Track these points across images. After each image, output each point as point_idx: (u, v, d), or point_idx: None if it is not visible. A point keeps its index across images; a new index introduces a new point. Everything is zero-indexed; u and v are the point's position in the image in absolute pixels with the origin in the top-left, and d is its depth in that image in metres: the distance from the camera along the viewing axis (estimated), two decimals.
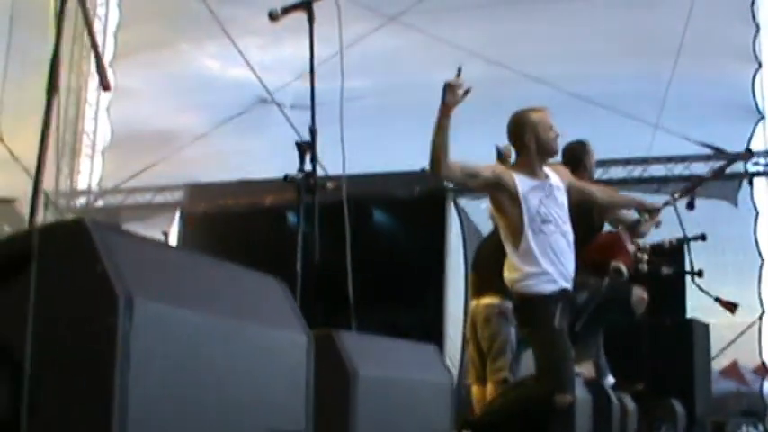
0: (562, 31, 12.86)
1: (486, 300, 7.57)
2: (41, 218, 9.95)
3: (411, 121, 12.76)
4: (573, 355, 5.96)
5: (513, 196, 5.71)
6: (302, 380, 3.05)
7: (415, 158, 9.91)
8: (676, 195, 7.46)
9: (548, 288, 5.68)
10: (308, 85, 5.28)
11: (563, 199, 5.92)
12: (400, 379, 4.29)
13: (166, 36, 15.76)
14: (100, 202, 16.26)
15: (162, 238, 10.31)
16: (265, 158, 13.71)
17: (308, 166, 5.10)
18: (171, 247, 2.42)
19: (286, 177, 5.09)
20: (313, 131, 5.06)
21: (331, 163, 8.38)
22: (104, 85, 3.81)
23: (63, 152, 15.76)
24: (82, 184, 16.52)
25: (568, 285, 5.80)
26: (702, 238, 8.31)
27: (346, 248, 5.36)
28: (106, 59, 16.05)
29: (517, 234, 5.72)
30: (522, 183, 5.74)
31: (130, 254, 2.40)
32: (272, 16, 5.25)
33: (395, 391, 4.17)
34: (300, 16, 5.28)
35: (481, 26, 13.10)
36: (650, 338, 9.64)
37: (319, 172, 5.27)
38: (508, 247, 5.82)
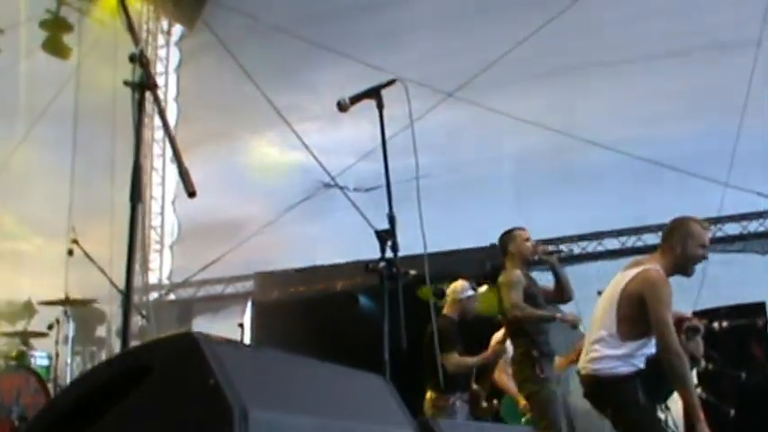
0: (623, 94, 12.81)
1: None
2: (115, 315, 10.03)
3: (477, 195, 12.79)
4: None
5: None
6: None
7: (485, 232, 9.92)
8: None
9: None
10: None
11: None
12: None
13: (226, 127, 15.98)
14: (172, 296, 16.40)
15: (238, 329, 10.33)
16: (332, 242, 13.78)
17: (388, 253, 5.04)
18: (277, 353, 2.39)
19: (367, 266, 5.05)
20: (392, 218, 5.02)
21: (405, 244, 8.39)
22: (190, 192, 3.80)
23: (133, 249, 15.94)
24: (153, 278, 16.69)
25: None
26: None
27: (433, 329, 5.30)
28: (167, 155, 16.32)
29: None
30: None
31: (239, 364, 2.39)
32: (341, 107, 5.21)
33: None
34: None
35: (540, 95, 13.10)
36: None
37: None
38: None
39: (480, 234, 10.73)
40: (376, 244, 5.09)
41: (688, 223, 6.00)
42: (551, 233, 11.05)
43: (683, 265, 5.96)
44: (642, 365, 5.88)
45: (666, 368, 5.69)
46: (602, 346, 5.94)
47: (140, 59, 3.78)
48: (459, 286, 9.05)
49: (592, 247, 12.74)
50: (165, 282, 16.72)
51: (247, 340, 11.80)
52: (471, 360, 8.75)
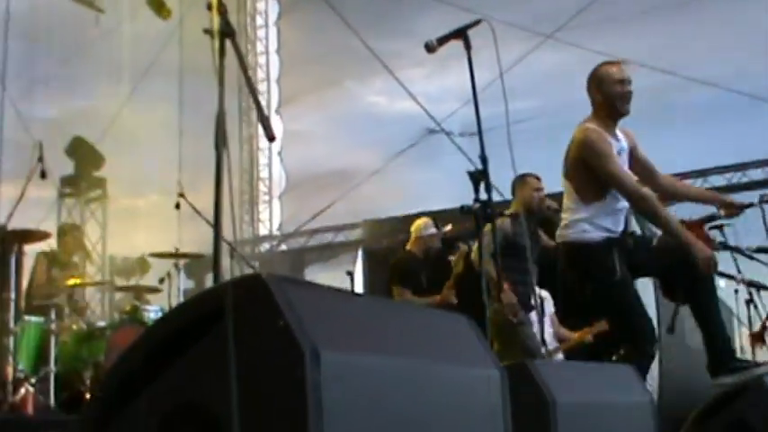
0: (722, 29, 12.48)
1: None
2: (229, 268, 10.18)
3: None
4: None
5: None
6: (499, 416, 2.98)
7: None
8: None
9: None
10: (473, 110, 5.22)
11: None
12: (599, 403, 4.14)
13: (330, 76, 16.01)
14: (283, 247, 16.59)
15: (347, 277, 10.36)
16: (441, 188, 13.73)
17: (483, 195, 5.00)
18: (351, 294, 2.40)
19: (462, 208, 5.04)
20: (484, 160, 4.98)
21: (505, 187, 8.33)
22: (269, 136, 3.84)
23: (242, 201, 16.17)
24: (263, 230, 16.90)
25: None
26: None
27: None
28: (272, 106, 16.46)
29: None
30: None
31: (311, 305, 2.38)
32: (429, 48, 5.26)
33: (595, 417, 4.03)
34: (460, 44, 5.23)
35: (641, 34, 12.83)
36: None
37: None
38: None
39: None
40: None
41: (597, 69, 5.84)
42: None
43: (609, 109, 5.76)
44: (617, 228, 5.75)
45: (640, 213, 5.85)
46: (569, 214, 5.86)
47: (218, 7, 3.79)
48: (421, 223, 9.20)
49: (697, 185, 12.48)
50: (276, 233, 16.92)
51: (357, 288, 11.86)
52: (419, 300, 8.70)
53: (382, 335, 2.64)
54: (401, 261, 9.20)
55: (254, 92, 3.92)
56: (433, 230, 9.01)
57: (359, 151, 15.86)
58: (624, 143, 5.82)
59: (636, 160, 5.94)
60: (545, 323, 8.34)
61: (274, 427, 2.22)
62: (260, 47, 17.09)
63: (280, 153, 16.78)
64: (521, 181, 7.86)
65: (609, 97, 5.72)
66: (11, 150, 12.87)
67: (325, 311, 2.45)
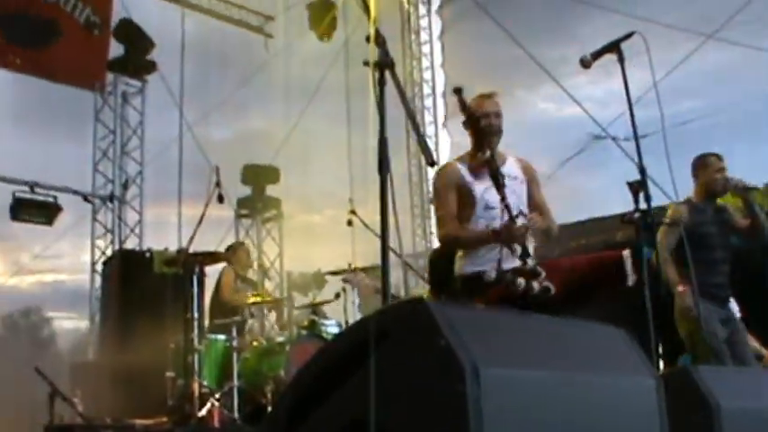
0: None
1: None
2: (400, 280, 10.34)
3: (745, 137, 12.35)
4: None
5: None
6: (656, 425, 3.02)
7: (753, 174, 9.59)
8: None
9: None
10: (639, 114, 5.25)
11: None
12: (765, 408, 4.09)
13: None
14: None
15: None
16: (611, 193, 13.62)
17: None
18: (508, 312, 2.50)
19: (623, 218, 5.08)
20: (642, 170, 5.01)
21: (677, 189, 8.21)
22: (428, 161, 3.99)
23: (413, 215, 16.38)
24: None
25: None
26: None
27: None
28: (439, 121, 16.62)
29: None
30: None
31: (470, 324, 2.52)
32: (584, 63, 5.35)
33: (761, 422, 3.98)
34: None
35: None
36: None
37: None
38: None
39: (749, 174, 10.39)
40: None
41: (470, 103, 5.69)
42: None
43: (480, 140, 5.52)
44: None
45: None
46: None
47: (377, 40, 3.96)
48: None
49: None
50: None
51: None
52: None
53: (538, 349, 2.76)
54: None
55: (413, 119, 4.07)
56: None
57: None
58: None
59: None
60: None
61: None
62: (425, 62, 17.30)
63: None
64: (701, 162, 7.42)
65: (480, 131, 5.61)
66: (189, 173, 13.40)
67: (483, 330, 2.59)
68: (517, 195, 5.39)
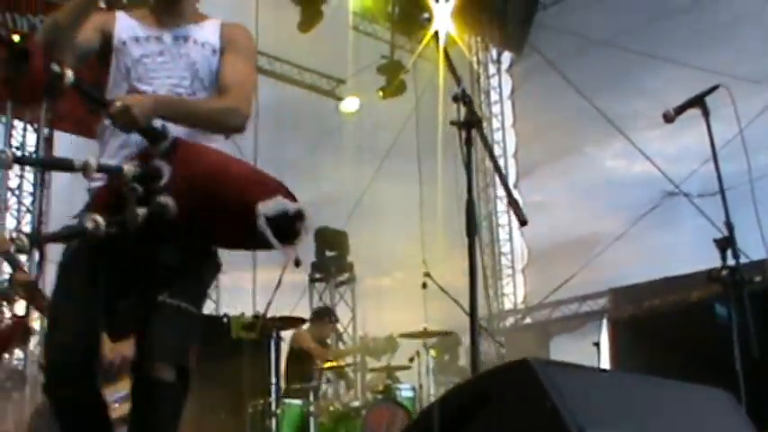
0: None
1: None
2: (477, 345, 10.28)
3: None
4: None
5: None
6: None
7: None
8: None
9: None
10: (713, 169, 5.18)
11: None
12: None
13: (568, 143, 16.01)
14: (528, 320, 16.59)
15: (594, 348, 10.27)
16: (685, 251, 13.45)
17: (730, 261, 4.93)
18: (611, 373, 2.46)
19: (710, 275, 4.98)
20: (730, 226, 4.92)
21: (754, 248, 8.08)
22: (520, 221, 3.93)
23: (485, 276, 16.31)
24: (508, 304, 16.98)
25: None
26: None
27: None
28: (510, 181, 16.59)
29: None
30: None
31: (576, 386, 2.47)
32: (667, 118, 5.29)
33: None
34: None
35: None
36: None
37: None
38: None
39: None
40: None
41: None
42: None
43: None
44: None
45: None
46: None
47: (463, 99, 3.96)
48: None
49: None
50: (520, 306, 16.94)
51: (604, 359, 11.70)
52: None
53: (642, 411, 2.70)
54: None
55: (503, 179, 4.06)
56: None
57: (599, 217, 15.71)
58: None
59: None
60: None
61: None
62: (495, 123, 17.35)
63: (520, 227, 16.84)
64: None
65: None
66: None
67: (588, 392, 2.54)
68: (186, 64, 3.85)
